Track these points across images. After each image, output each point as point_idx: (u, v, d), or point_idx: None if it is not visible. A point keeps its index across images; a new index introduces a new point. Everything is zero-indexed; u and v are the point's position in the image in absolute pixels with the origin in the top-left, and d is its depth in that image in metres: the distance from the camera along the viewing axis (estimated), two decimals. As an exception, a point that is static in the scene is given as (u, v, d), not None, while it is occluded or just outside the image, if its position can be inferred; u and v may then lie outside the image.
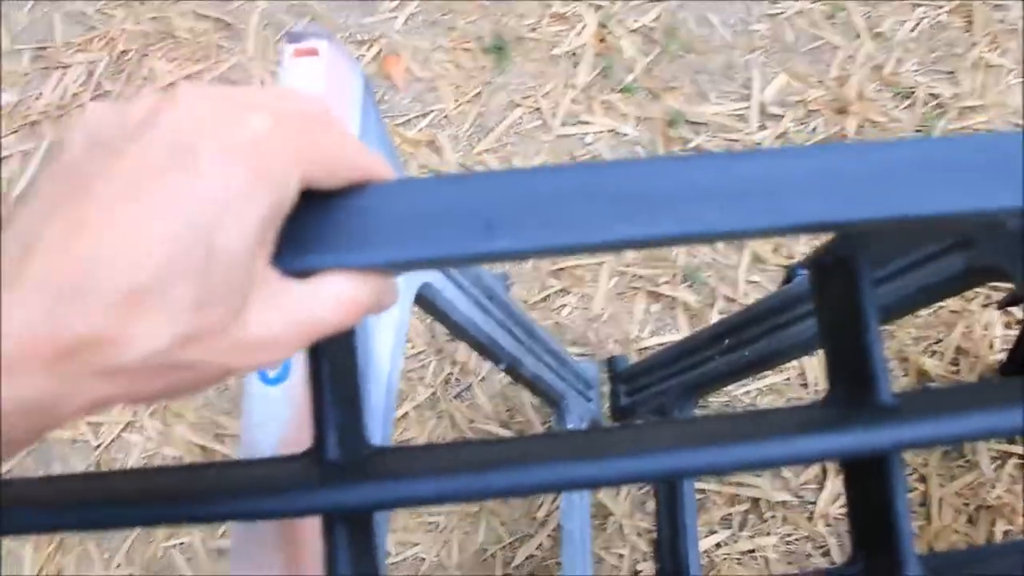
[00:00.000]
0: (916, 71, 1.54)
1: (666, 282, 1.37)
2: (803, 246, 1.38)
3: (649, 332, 1.35)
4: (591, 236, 0.31)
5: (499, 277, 1.18)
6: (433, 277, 0.77)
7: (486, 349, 0.99)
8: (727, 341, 1.09)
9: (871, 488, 0.44)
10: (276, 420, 0.49)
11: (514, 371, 1.07)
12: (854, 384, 0.45)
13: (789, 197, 0.32)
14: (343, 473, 0.39)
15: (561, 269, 1.39)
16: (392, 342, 0.63)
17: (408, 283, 0.68)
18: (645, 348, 1.33)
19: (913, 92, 1.52)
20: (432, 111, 1.56)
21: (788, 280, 1.13)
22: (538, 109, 1.53)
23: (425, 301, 0.77)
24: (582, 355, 1.34)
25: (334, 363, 0.45)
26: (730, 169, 0.33)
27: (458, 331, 0.92)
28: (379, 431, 0.58)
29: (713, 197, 0.32)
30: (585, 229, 0.31)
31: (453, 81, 1.58)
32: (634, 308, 1.36)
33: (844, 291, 0.46)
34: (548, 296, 1.37)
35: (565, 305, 1.37)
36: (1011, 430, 0.40)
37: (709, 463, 0.40)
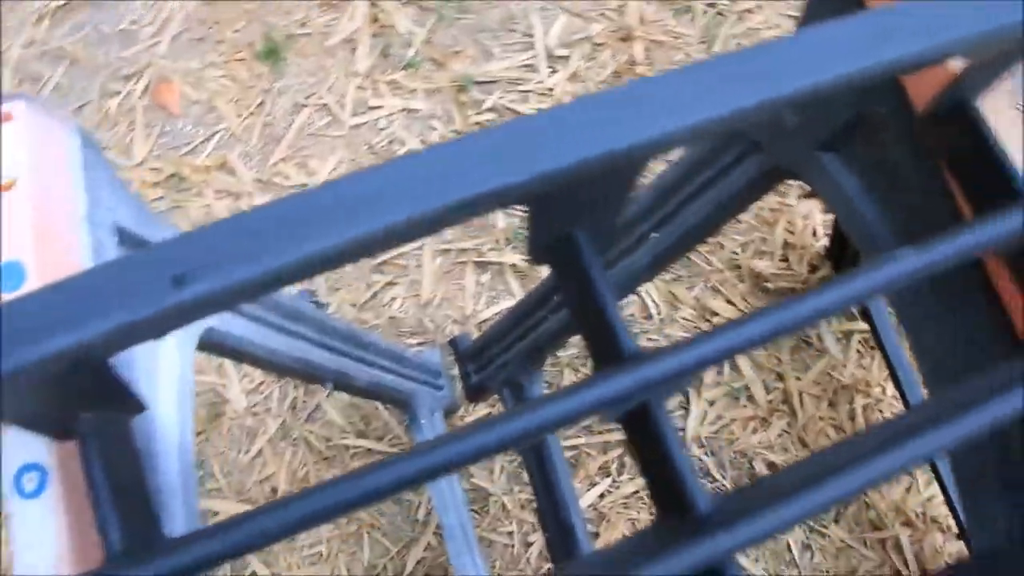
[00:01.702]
0: (687, -17, 1.54)
1: (491, 249, 1.34)
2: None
3: (485, 303, 1.32)
4: (275, 261, 0.30)
5: (302, 295, 1.12)
6: (214, 321, 0.71)
7: (303, 373, 0.94)
8: (554, 298, 1.07)
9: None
10: (47, 536, 0.43)
11: (345, 385, 1.02)
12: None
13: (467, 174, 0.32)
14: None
15: (383, 263, 1.34)
16: (177, 405, 0.58)
17: (185, 334, 0.62)
18: (484, 321, 1.30)
19: (691, 5, 1.52)
20: (217, 132, 1.47)
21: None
22: (325, 105, 1.46)
23: (212, 345, 0.72)
24: (423, 344, 1.30)
25: (106, 452, 0.40)
26: (402, 169, 0.32)
27: (262, 364, 0.87)
28: (180, 511, 0.52)
29: (383, 199, 0.32)
30: (269, 256, 0.31)
31: (232, 96, 1.50)
32: (465, 283, 1.33)
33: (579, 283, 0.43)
34: (376, 293, 1.32)
35: (395, 298, 1.32)
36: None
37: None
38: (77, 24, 1.60)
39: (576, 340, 1.29)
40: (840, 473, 0.37)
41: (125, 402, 0.41)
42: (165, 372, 0.58)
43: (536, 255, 0.45)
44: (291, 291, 1.22)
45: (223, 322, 0.73)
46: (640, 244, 0.94)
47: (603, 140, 0.33)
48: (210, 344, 0.71)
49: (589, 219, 0.44)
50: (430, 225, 0.32)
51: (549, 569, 1.22)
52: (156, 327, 0.31)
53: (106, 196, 0.56)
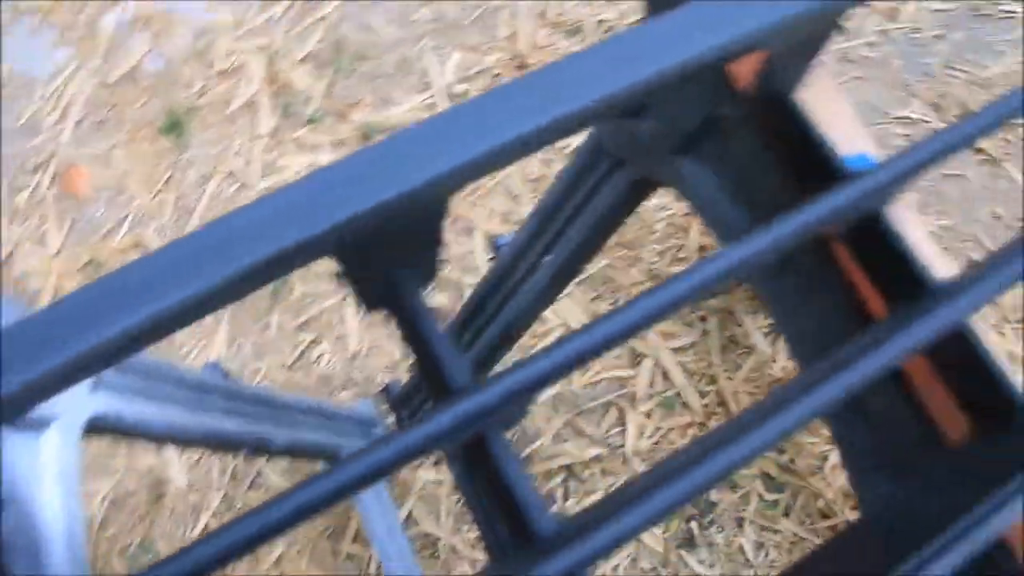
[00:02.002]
0: (577, 4, 1.57)
1: (412, 293, 1.34)
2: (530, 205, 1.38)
3: (413, 347, 1.32)
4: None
5: (212, 368, 1.12)
6: (103, 406, 0.71)
7: (214, 444, 0.93)
8: (472, 326, 1.08)
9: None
10: None
11: (264, 450, 1.01)
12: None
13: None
14: None
15: (306, 322, 1.34)
16: (62, 497, 0.58)
17: (68, 424, 0.62)
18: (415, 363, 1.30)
19: (581, 25, 1.54)
20: (129, 212, 1.47)
21: (495, 251, 1.12)
22: (232, 173, 1.47)
23: (104, 430, 0.71)
24: (357, 396, 1.30)
25: None
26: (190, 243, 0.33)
27: (165, 440, 0.86)
28: None
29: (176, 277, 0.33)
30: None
31: (140, 175, 1.50)
32: (389, 330, 1.33)
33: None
34: (303, 352, 1.32)
35: (322, 354, 1.32)
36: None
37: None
38: (-22, 123, 1.60)
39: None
40: (685, 472, 0.38)
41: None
42: (48, 467, 0.58)
43: (367, 303, 0.46)
44: (196, 366, 1.22)
45: (110, 406, 0.72)
46: (534, 270, 0.95)
47: (383, 188, 0.35)
48: (102, 429, 0.71)
49: (408, 257, 0.45)
50: (226, 294, 0.33)
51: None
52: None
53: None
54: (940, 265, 0.51)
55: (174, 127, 1.51)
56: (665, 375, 1.30)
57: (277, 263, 0.33)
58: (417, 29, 1.56)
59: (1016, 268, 0.46)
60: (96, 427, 0.69)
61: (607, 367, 1.31)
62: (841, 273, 0.57)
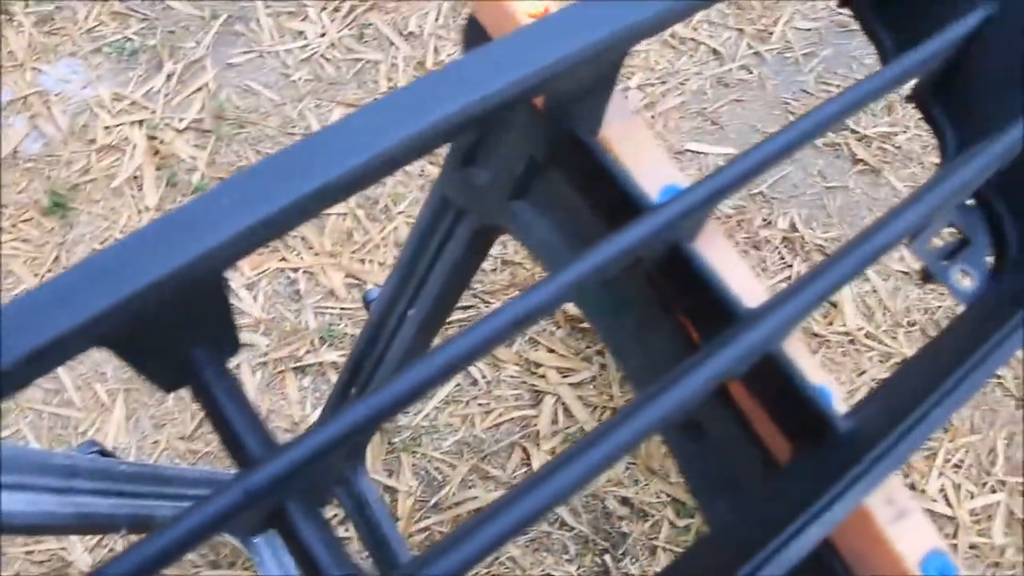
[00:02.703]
0: (453, 53, 1.59)
1: (307, 352, 1.34)
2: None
3: (311, 407, 1.31)
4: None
5: (83, 448, 1.10)
6: None
7: (89, 527, 0.91)
8: (355, 384, 1.08)
9: None
10: None
11: (145, 528, 0.99)
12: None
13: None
14: None
15: (202, 390, 1.32)
16: None
17: None
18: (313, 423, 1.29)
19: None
20: (14, 296, 1.44)
21: (366, 306, 1.13)
22: (118, 247, 1.45)
23: None
24: (257, 463, 1.28)
25: None
26: None
27: (41, 531, 0.84)
28: None
29: None
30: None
31: (26, 258, 1.47)
32: (287, 391, 1.32)
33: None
34: (201, 421, 1.30)
35: (220, 423, 1.30)
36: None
37: None
38: None
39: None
40: (527, 495, 0.39)
41: None
42: None
43: (163, 386, 0.46)
44: (68, 447, 1.19)
45: None
46: (402, 323, 0.95)
47: (138, 275, 0.35)
48: None
49: (198, 335, 0.45)
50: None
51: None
52: None
53: None
54: (757, 288, 0.54)
55: (57, 207, 1.49)
56: (567, 411, 1.31)
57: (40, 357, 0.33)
58: (297, 89, 1.57)
59: (818, 288, 0.48)
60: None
61: (508, 408, 1.31)
62: (667, 306, 0.59)
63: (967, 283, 0.57)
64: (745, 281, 0.56)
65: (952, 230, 0.59)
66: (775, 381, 0.51)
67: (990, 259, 0.58)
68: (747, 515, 0.57)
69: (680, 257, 0.54)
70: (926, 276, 0.57)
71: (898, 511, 0.47)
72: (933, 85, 0.61)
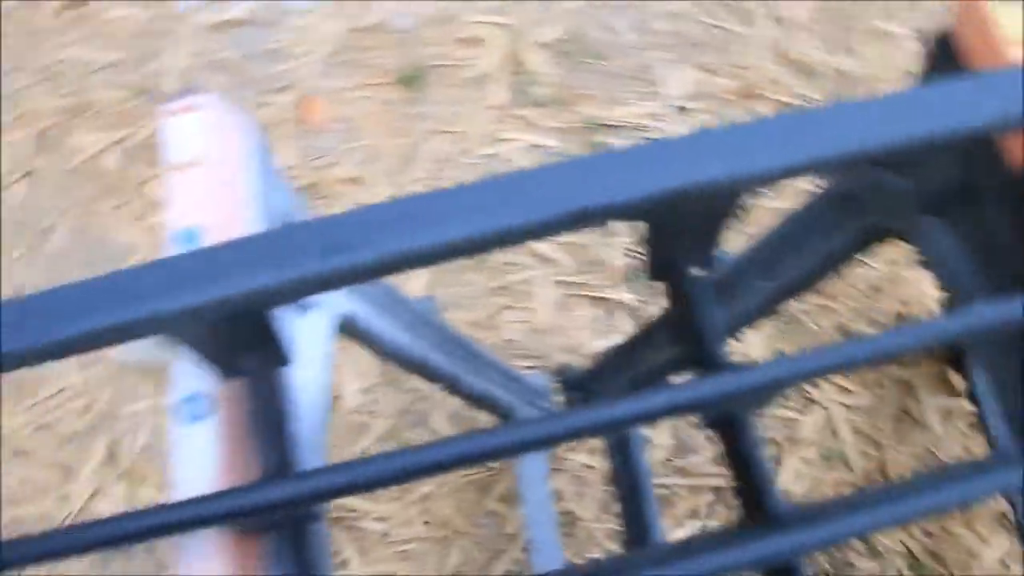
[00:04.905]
0: (822, 50, 1.59)
1: (607, 286, 1.39)
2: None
3: (595, 337, 1.37)
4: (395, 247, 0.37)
5: (426, 300, 1.19)
6: (354, 308, 0.78)
7: (421, 370, 1.00)
8: (660, 335, 1.12)
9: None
10: (205, 456, 0.50)
11: (455, 389, 1.08)
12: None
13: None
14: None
15: (503, 287, 1.41)
16: (318, 371, 0.64)
17: (327, 317, 0.69)
18: (592, 354, 1.35)
19: (816, 70, 1.56)
20: (355, 148, 1.57)
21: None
22: (457, 134, 1.55)
23: (349, 332, 0.79)
24: (532, 367, 1.35)
25: (263, 392, 0.48)
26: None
27: (389, 356, 0.94)
28: (310, 456, 0.59)
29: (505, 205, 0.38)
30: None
31: (372, 117, 1.60)
32: (578, 315, 1.38)
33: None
34: (492, 315, 1.39)
35: (511, 321, 1.39)
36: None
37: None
38: (238, 39, 1.73)
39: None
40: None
41: (277, 353, 0.48)
42: (309, 344, 0.64)
43: (652, 272, 0.53)
44: (421, 295, 1.29)
45: (360, 312, 0.80)
46: (747, 291, 0.98)
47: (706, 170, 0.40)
48: (348, 329, 0.78)
49: (691, 246, 0.51)
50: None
51: None
52: (304, 288, 0.37)
53: (272, 182, 0.63)
54: None
55: (412, 80, 1.61)
56: (832, 428, 1.31)
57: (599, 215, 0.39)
58: (655, 39, 1.61)
59: None
60: (346, 326, 0.77)
61: (776, 405, 1.33)
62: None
63: None
64: None
65: None
66: None
67: None
68: None
69: None
70: None
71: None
72: None
